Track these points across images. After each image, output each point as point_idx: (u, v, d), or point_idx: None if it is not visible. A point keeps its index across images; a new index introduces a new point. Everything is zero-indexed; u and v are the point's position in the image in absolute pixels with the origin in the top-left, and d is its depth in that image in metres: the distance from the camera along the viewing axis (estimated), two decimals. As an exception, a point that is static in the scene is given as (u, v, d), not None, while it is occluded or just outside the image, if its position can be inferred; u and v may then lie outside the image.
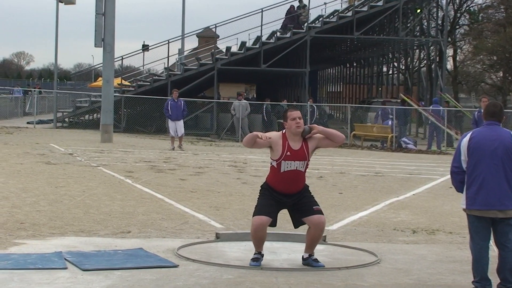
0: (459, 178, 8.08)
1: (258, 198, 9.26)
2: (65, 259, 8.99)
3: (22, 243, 10.05)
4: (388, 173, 21.27)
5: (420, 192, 17.17)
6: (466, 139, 8.04)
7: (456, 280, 8.72)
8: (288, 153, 9.01)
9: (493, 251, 8.12)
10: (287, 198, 9.11)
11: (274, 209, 9.09)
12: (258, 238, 9.05)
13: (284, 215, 9.42)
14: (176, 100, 28.12)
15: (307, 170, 9.22)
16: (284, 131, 9.19)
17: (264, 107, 37.33)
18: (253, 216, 9.07)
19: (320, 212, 9.08)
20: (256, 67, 38.66)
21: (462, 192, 8.08)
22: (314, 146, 9.17)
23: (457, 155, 8.07)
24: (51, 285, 7.87)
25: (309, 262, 9.19)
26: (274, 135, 9.24)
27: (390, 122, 34.07)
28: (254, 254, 9.18)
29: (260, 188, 9.37)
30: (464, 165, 8.00)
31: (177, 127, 27.71)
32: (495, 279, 7.95)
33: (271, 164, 9.16)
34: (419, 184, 18.54)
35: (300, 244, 10.27)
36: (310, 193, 9.29)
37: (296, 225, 9.37)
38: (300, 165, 9.05)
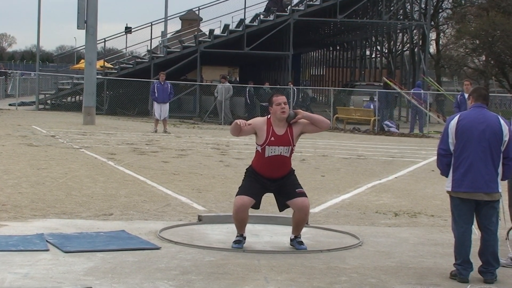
0: (446, 161, 8.02)
1: (242, 180, 9.26)
2: (47, 241, 8.97)
3: (4, 225, 10.00)
4: (370, 156, 21.30)
5: (402, 175, 17.20)
6: (454, 122, 7.98)
7: (438, 262, 8.75)
8: (272, 138, 9.00)
9: (475, 234, 8.14)
10: (271, 182, 9.11)
11: (258, 191, 9.08)
12: (240, 219, 9.05)
13: (266, 197, 9.42)
14: (162, 83, 28.08)
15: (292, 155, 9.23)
16: (269, 116, 9.17)
17: (247, 90, 37.26)
18: (235, 196, 9.08)
19: (303, 194, 9.08)
20: (239, 50, 38.53)
21: (446, 176, 8.04)
22: (299, 131, 9.16)
23: (445, 137, 8.00)
24: (33, 267, 7.85)
25: (294, 243, 9.23)
26: (259, 120, 9.23)
27: (371, 105, 34.27)
28: (236, 236, 9.17)
29: (245, 170, 9.37)
30: (451, 148, 7.95)
31: (162, 110, 27.69)
32: (476, 262, 7.99)
33: (256, 148, 9.16)
34: (401, 167, 18.56)
35: (282, 227, 10.29)
36: (295, 176, 9.29)
37: (281, 209, 9.38)
38: (284, 151, 9.04)
